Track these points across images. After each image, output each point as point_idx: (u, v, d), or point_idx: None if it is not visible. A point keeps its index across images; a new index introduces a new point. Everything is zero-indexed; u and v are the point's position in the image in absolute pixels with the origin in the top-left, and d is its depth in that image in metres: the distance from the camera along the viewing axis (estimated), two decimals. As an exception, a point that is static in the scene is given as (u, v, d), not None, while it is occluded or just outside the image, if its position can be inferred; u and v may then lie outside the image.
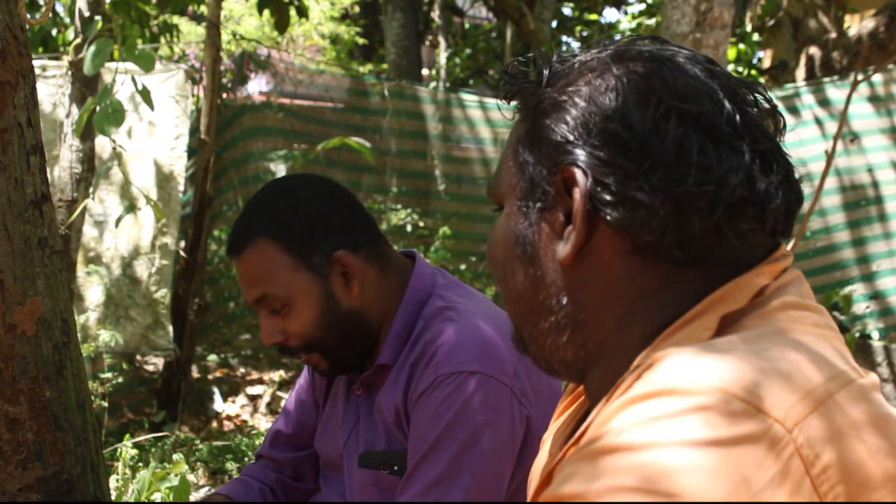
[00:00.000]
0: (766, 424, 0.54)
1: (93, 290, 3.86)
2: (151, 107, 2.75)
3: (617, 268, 0.70)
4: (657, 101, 0.68)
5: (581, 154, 0.69)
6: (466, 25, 12.55)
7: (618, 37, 0.77)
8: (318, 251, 1.29)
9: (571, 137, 0.70)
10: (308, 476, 1.55)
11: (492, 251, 0.79)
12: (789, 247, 3.57)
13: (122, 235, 3.91)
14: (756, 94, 0.72)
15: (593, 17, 11.43)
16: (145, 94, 2.67)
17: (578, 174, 0.69)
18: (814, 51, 5.80)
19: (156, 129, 3.97)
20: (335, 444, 1.43)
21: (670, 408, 0.55)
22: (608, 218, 0.68)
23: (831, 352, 0.63)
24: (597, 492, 0.54)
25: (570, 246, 0.70)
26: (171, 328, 3.94)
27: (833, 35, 5.81)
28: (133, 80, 2.69)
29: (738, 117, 0.68)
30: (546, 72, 0.75)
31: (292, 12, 4.73)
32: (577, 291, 0.72)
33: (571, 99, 0.71)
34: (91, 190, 2.96)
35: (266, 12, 4.70)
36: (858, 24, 5.84)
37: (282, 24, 4.48)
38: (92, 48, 2.61)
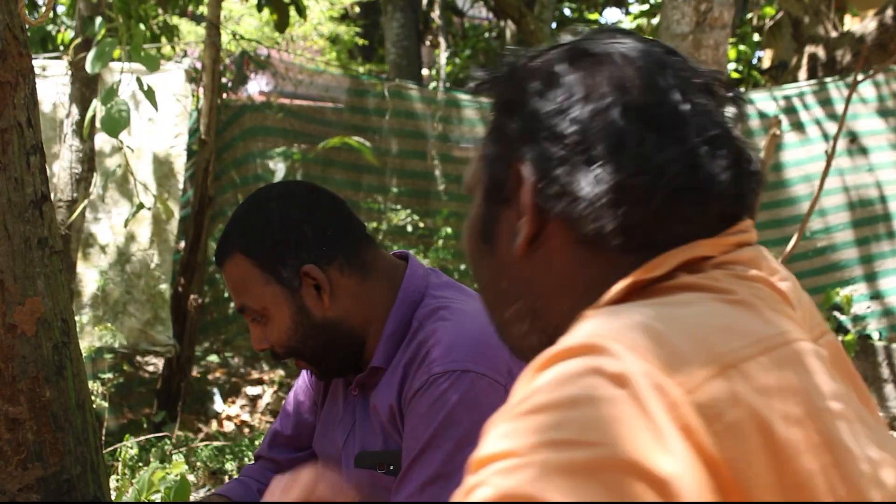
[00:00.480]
0: (665, 384, 0.56)
1: (90, 286, 3.86)
2: (156, 107, 2.75)
3: (567, 257, 0.73)
4: (599, 96, 0.70)
5: (529, 151, 0.72)
6: (466, 25, 12.54)
7: (580, 29, 0.79)
8: (286, 266, 1.32)
9: (523, 134, 0.74)
10: (308, 476, 1.55)
11: (464, 243, 0.84)
12: (789, 247, 3.57)
13: (121, 231, 3.91)
14: (714, 84, 0.74)
15: (594, 16, 11.41)
16: (150, 95, 2.67)
17: (526, 169, 0.73)
18: (815, 50, 5.80)
19: (155, 128, 3.98)
20: (334, 444, 1.43)
21: (569, 369, 0.58)
22: (553, 211, 0.71)
23: (761, 319, 0.64)
24: (516, 449, 0.55)
25: (521, 237, 0.74)
26: (170, 324, 3.94)
27: (834, 35, 5.81)
28: (138, 80, 2.69)
29: (684, 107, 0.70)
30: (506, 70, 0.78)
31: (292, 12, 4.73)
32: (532, 281, 0.75)
33: (524, 96, 0.74)
34: (96, 190, 2.96)
35: (266, 12, 4.69)
36: (859, 24, 5.83)
37: (282, 24, 4.48)
38: (94, 49, 2.60)
